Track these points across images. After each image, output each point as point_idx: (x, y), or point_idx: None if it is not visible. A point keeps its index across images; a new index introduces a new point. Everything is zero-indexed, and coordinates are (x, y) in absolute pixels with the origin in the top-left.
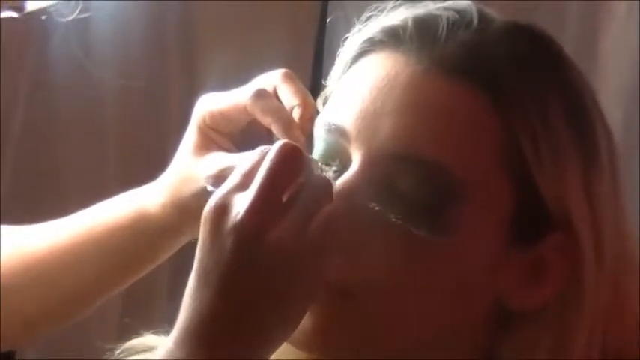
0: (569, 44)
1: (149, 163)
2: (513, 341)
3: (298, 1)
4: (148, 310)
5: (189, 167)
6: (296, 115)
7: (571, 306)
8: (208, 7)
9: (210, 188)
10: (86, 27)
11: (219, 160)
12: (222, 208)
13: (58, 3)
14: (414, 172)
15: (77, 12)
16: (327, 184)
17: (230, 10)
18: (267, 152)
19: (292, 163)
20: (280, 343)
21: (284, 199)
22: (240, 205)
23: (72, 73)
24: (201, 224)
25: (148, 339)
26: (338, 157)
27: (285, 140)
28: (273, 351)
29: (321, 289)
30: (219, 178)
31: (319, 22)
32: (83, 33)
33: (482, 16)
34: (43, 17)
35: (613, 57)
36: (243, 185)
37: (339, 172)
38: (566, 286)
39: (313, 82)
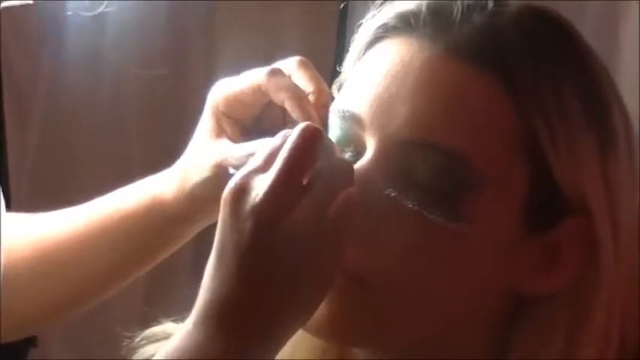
0: (589, 29)
1: (171, 151)
2: (529, 327)
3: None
4: (171, 297)
5: (201, 153)
6: (312, 101)
7: (588, 291)
8: None
9: (232, 171)
10: (106, 18)
11: (223, 148)
12: (242, 190)
13: None
14: (429, 159)
15: (103, 7)
16: (348, 168)
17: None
18: (289, 135)
19: (313, 145)
20: (297, 328)
21: (304, 181)
22: (260, 187)
23: (92, 63)
24: (221, 205)
25: (167, 326)
26: (352, 143)
27: (308, 122)
28: (290, 336)
29: (338, 274)
30: (219, 166)
31: (341, 10)
32: (103, 23)
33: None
34: (69, 13)
35: (634, 43)
36: (263, 167)
37: (354, 159)
38: (583, 272)
39: (335, 68)
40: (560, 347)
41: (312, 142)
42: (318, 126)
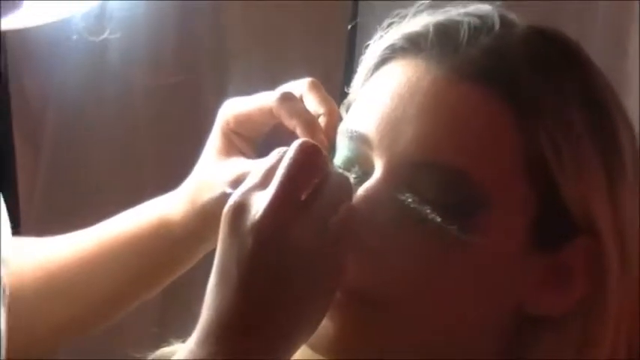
0: (596, 46)
1: (184, 167)
2: (536, 347)
3: (329, 1)
4: (185, 320)
5: (210, 172)
6: (322, 123)
7: (596, 312)
8: (239, 6)
9: (229, 191)
10: (125, 30)
11: (239, 165)
12: (241, 207)
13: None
14: (436, 179)
15: (107, 32)
16: (347, 183)
17: (261, 9)
18: (286, 152)
19: (311, 161)
20: (300, 344)
21: (303, 197)
22: (259, 203)
23: (102, 74)
24: (221, 224)
25: (177, 347)
26: (360, 163)
27: (305, 139)
28: (293, 352)
29: (340, 290)
30: (237, 182)
31: (350, 23)
32: (108, 46)
33: (504, 21)
34: (74, 37)
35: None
36: (262, 184)
37: (360, 179)
38: (591, 292)
39: (345, 83)
40: None
41: (310, 158)
42: (314, 142)
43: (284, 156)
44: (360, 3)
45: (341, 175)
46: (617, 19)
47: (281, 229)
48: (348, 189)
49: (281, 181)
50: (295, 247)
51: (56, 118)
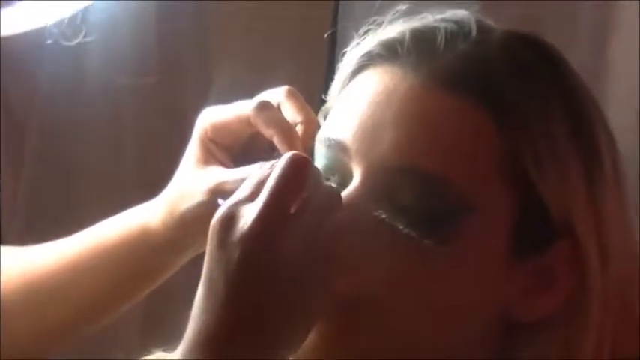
0: (578, 49)
1: (167, 164)
2: (520, 352)
3: (312, 1)
4: (167, 329)
5: (189, 181)
6: (300, 131)
7: (578, 314)
8: (222, 6)
9: (220, 201)
10: (106, 36)
11: (217, 174)
12: (230, 219)
13: (60, 22)
14: (415, 184)
15: (82, 36)
16: (336, 196)
17: (245, 10)
18: (275, 164)
19: (301, 173)
20: (288, 355)
21: (293, 210)
22: (248, 215)
23: (86, 75)
24: (209, 235)
25: (158, 355)
26: (338, 171)
27: (295, 152)
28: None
29: (330, 301)
30: (215, 191)
31: (331, 28)
32: (103, 41)
33: (481, 26)
34: (49, 42)
35: (624, 61)
36: (251, 197)
37: (340, 187)
38: (573, 295)
39: (326, 88)
40: None
41: (300, 170)
42: (305, 155)
43: (273, 169)
44: (342, 4)
45: (330, 187)
46: (601, 20)
47: (269, 242)
48: (338, 202)
49: (270, 193)
50: (283, 260)
51: (39, 123)
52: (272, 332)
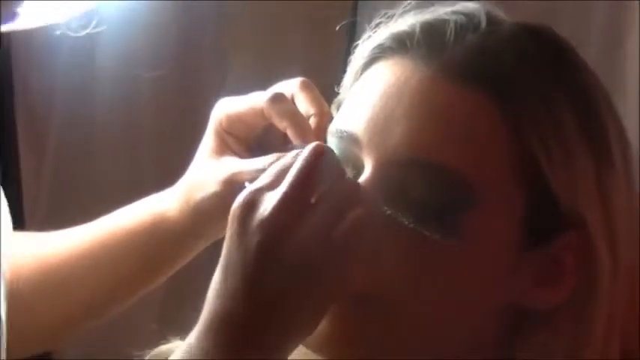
0: (593, 46)
1: (182, 155)
2: (529, 341)
3: (329, 1)
4: (184, 317)
5: (204, 171)
6: (313, 123)
7: (587, 305)
8: (242, 6)
9: (247, 184)
10: (124, 29)
11: (231, 164)
12: (251, 205)
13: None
14: (425, 177)
15: (91, 27)
16: (355, 188)
17: (263, 7)
18: (299, 153)
19: (324, 163)
20: (298, 343)
21: (313, 200)
22: (269, 202)
23: (108, 72)
24: (229, 220)
25: (175, 345)
26: (350, 163)
27: (318, 142)
28: (291, 350)
29: (343, 291)
30: (230, 181)
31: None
32: (121, 34)
33: (491, 18)
34: (57, 32)
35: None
36: (272, 184)
37: (352, 179)
38: (582, 285)
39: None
40: None
41: (322, 162)
42: (329, 147)
43: (297, 158)
44: (360, 3)
45: (350, 180)
46: (616, 19)
47: (288, 230)
48: (357, 195)
49: (292, 182)
50: (300, 248)
51: (59, 114)
52: (285, 318)
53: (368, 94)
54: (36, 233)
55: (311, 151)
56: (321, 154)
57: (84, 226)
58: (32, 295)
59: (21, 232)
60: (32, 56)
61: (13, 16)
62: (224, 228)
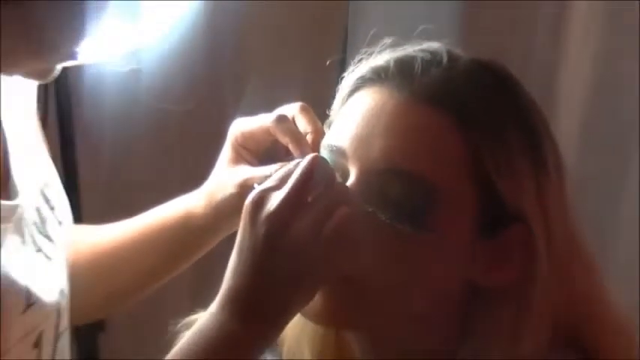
0: (534, 76)
1: (206, 167)
2: (483, 313)
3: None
4: (211, 294)
5: (223, 177)
6: (309, 139)
7: (528, 284)
8: (257, 43)
9: (256, 186)
10: (158, 67)
11: (245, 172)
12: (259, 202)
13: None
14: (399, 183)
15: (133, 64)
16: (345, 192)
17: (271, 48)
18: (299, 163)
19: (319, 170)
20: (295, 313)
21: (310, 199)
22: (274, 200)
23: (144, 100)
24: (242, 214)
25: (201, 315)
26: (338, 171)
27: (316, 154)
28: (289, 320)
29: (332, 272)
30: (244, 185)
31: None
32: (156, 71)
33: (450, 55)
34: (98, 69)
35: (571, 85)
36: (277, 186)
37: (342, 183)
38: (525, 270)
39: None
40: (504, 332)
41: (319, 168)
42: (324, 158)
43: (297, 166)
44: (349, 42)
45: (340, 184)
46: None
47: (289, 222)
48: (345, 195)
49: (293, 184)
50: (299, 236)
51: (108, 136)
52: (285, 293)
53: (352, 116)
54: (91, 226)
55: (309, 161)
56: (316, 164)
57: (128, 220)
58: (87, 275)
59: (78, 225)
60: (86, 86)
61: (74, 54)
62: (239, 223)
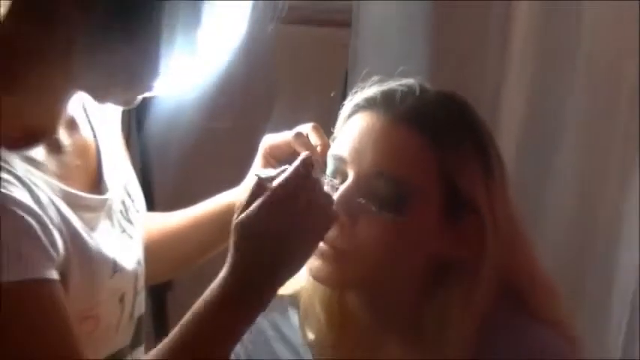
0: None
1: (243, 170)
2: (446, 278)
3: (331, 76)
4: None
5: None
6: (319, 150)
7: (480, 258)
8: (282, 78)
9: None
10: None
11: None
12: (270, 180)
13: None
14: (384, 182)
15: (188, 92)
16: (331, 198)
17: (294, 80)
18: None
19: (308, 164)
20: (289, 278)
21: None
22: (277, 181)
23: (197, 125)
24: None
25: None
26: (340, 174)
27: (307, 152)
28: (286, 279)
29: (322, 245)
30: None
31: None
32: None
33: (422, 88)
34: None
35: (512, 110)
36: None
37: (341, 183)
38: (478, 247)
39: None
40: (462, 292)
41: (308, 162)
42: (316, 159)
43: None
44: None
45: (332, 181)
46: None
47: (291, 192)
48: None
49: (289, 173)
50: (297, 206)
51: (173, 150)
52: (284, 255)
53: (350, 133)
54: (160, 213)
55: (302, 158)
56: (306, 159)
57: (187, 209)
58: (158, 248)
59: (151, 212)
60: (156, 110)
61: (153, 87)
62: None
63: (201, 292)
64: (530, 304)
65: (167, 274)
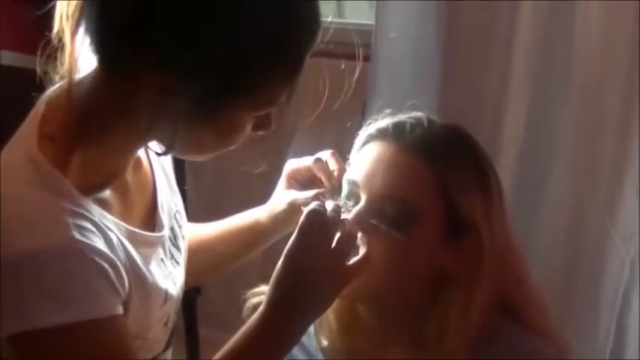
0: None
1: (269, 191)
2: (447, 290)
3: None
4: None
5: (279, 197)
6: (335, 175)
7: (478, 272)
8: (305, 109)
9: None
10: None
11: (293, 194)
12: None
13: None
14: (393, 204)
15: None
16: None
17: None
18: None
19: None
20: (319, 316)
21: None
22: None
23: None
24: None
25: (263, 288)
26: (354, 196)
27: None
28: (315, 319)
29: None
30: (292, 203)
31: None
32: None
33: (429, 120)
34: None
35: (512, 140)
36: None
37: (354, 205)
38: (476, 262)
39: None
40: (461, 303)
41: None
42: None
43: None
44: (366, 109)
45: (346, 204)
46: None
47: (322, 242)
48: (344, 223)
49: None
50: (328, 242)
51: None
52: (313, 293)
53: (364, 160)
54: (194, 224)
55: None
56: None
57: (218, 222)
58: (190, 256)
59: (192, 223)
60: None
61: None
62: (289, 228)
63: (227, 297)
64: (524, 315)
65: (197, 279)
